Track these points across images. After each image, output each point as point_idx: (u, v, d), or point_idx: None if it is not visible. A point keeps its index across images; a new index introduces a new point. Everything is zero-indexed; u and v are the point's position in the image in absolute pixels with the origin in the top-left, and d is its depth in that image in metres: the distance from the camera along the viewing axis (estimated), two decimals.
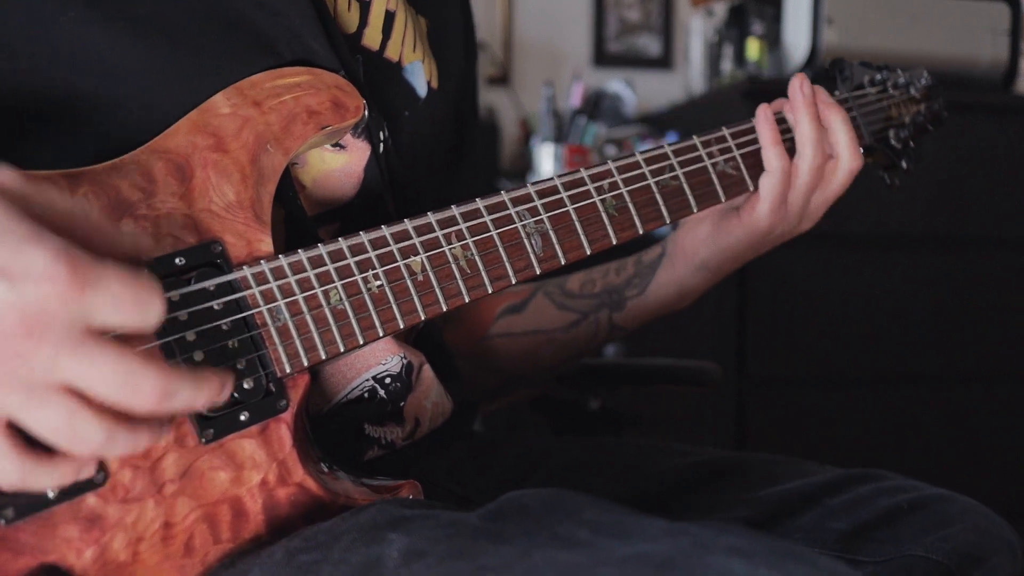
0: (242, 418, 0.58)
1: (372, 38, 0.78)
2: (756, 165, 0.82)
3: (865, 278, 2.22)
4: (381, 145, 0.75)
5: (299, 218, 0.69)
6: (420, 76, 0.82)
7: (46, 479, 0.47)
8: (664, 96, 2.75)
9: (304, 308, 0.60)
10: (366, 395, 0.72)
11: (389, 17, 0.80)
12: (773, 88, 0.92)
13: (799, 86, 0.82)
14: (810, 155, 0.81)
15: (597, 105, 2.47)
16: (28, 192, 0.45)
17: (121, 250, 0.48)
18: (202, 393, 0.48)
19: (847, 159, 0.83)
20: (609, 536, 0.46)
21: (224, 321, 0.58)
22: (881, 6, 2.21)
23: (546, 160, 2.35)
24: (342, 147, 0.73)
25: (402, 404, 0.75)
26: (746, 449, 2.08)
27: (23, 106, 0.63)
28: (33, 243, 0.43)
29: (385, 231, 0.65)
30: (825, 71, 0.93)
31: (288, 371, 0.60)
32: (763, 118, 0.82)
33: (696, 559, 0.43)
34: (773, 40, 2.36)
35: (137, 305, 0.45)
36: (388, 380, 0.73)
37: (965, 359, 2.27)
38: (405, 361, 0.74)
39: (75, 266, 0.43)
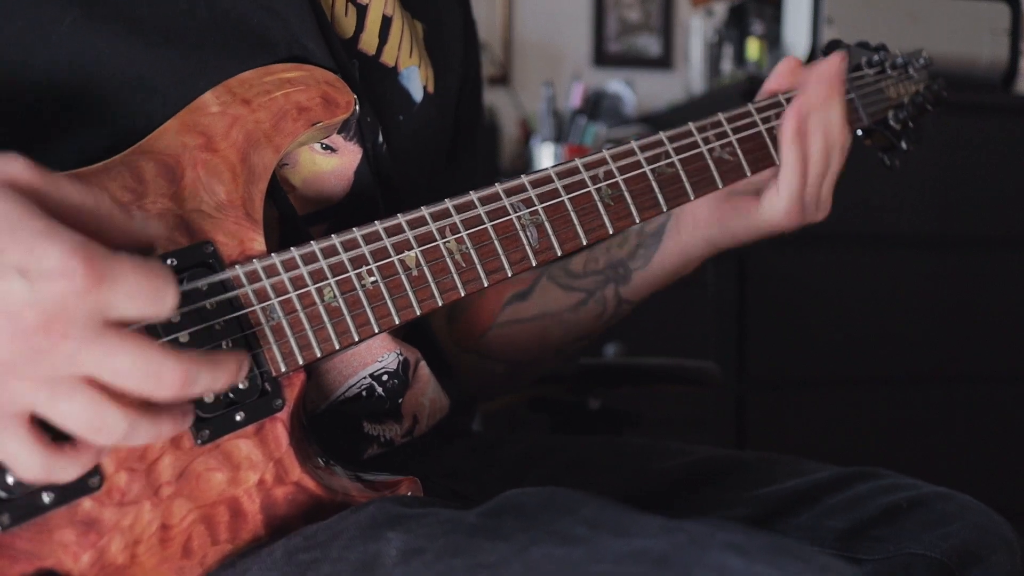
0: (238, 418, 0.58)
1: (368, 43, 0.78)
2: (753, 150, 0.81)
3: (865, 278, 2.22)
4: (373, 149, 0.75)
5: (291, 218, 0.69)
6: (416, 81, 0.82)
7: (69, 470, 0.48)
8: (664, 96, 2.75)
9: (298, 306, 0.60)
10: (364, 393, 0.72)
11: (386, 22, 0.80)
12: None
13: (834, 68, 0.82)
14: (820, 142, 0.81)
15: (597, 105, 2.47)
16: (42, 186, 0.46)
17: (134, 238, 0.49)
18: (221, 376, 0.48)
19: (843, 137, 0.82)
20: (606, 533, 0.46)
21: (217, 321, 0.57)
22: (881, 6, 2.21)
23: (546, 160, 2.35)
24: (333, 150, 0.73)
25: (400, 401, 0.74)
26: (746, 449, 2.08)
27: (22, 111, 0.63)
28: (48, 240, 0.43)
29: (378, 226, 0.64)
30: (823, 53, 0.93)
31: (283, 370, 0.59)
32: (791, 115, 0.80)
33: (693, 555, 0.43)
34: (773, 40, 2.37)
35: (152, 296, 0.46)
36: (385, 377, 0.73)
37: (965, 359, 2.27)
38: (401, 358, 0.74)
39: (91, 261, 0.44)
